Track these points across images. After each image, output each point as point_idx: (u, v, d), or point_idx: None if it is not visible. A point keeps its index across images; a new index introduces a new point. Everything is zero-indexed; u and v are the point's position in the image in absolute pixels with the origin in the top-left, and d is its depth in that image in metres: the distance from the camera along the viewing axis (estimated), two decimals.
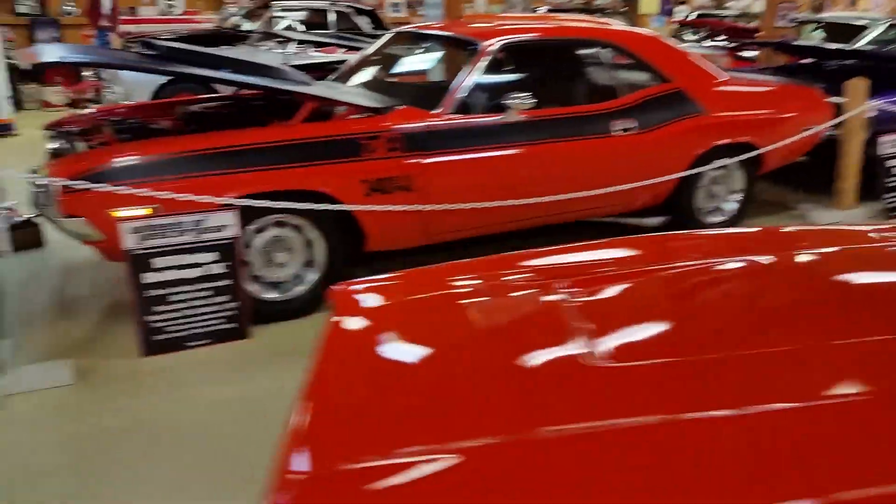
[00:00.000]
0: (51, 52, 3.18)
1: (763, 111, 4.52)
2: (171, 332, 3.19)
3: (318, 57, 7.03)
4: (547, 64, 4.37)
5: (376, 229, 3.54)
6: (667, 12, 16.49)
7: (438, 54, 4.81)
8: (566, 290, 1.57)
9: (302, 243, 3.50)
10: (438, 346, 1.43)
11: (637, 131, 4.07)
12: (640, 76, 4.28)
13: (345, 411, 1.21)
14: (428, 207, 3.49)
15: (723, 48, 9.06)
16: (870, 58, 5.77)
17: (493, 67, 3.82)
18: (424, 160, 3.53)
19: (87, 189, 2.87)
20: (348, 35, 5.85)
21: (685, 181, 4.33)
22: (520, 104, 3.65)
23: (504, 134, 3.73)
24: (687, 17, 12.69)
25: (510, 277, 1.71)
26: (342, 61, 5.98)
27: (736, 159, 4.38)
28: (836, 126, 4.83)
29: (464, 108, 3.69)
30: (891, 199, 5.02)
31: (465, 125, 3.66)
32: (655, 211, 4.49)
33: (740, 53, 8.51)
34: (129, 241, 2.99)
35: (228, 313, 3.27)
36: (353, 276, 3.87)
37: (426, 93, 4.10)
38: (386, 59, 4.56)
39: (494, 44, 3.82)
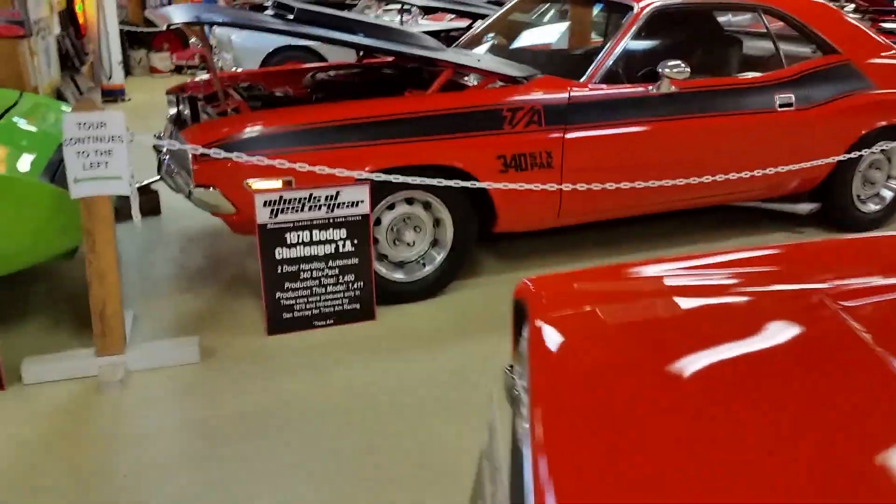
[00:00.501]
0: (183, 13, 3.04)
1: None
2: (298, 310, 3.04)
3: (426, 25, 6.79)
4: (702, 30, 3.99)
5: (509, 209, 3.29)
6: None
7: (581, 17, 4.46)
8: (850, 308, 1.27)
9: (430, 221, 3.29)
10: (693, 373, 1.16)
11: (801, 107, 3.66)
12: (803, 46, 3.84)
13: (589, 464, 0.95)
14: (576, 187, 3.21)
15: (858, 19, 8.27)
16: None
17: (645, 33, 3.48)
18: (568, 134, 3.24)
19: (225, 158, 2.72)
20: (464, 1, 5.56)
21: (842, 165, 3.88)
22: (675, 74, 3.30)
23: (656, 107, 3.39)
24: None
25: (749, 290, 1.42)
26: (456, 29, 5.71)
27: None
28: None
29: (611, 77, 3.38)
30: None
31: (614, 96, 3.35)
32: (803, 198, 4.07)
33: (882, 25, 7.75)
34: (263, 215, 2.84)
35: (356, 293, 3.10)
36: (478, 260, 3.59)
37: (569, 61, 3.80)
38: (516, 25, 4.27)
39: (650, 6, 3.47)
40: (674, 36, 3.86)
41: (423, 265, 3.33)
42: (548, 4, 4.45)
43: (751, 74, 3.68)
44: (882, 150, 4.00)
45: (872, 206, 4.16)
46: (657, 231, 4.09)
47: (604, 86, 3.34)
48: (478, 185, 3.10)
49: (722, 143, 3.54)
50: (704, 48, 3.85)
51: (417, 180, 2.99)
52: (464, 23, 6.23)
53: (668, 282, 1.50)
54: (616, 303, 1.44)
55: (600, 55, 3.39)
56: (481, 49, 4.16)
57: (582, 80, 3.34)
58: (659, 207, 3.68)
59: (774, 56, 3.79)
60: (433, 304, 3.33)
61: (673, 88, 3.39)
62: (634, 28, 3.41)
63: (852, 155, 3.77)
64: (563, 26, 4.58)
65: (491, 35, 4.21)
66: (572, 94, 3.29)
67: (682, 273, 1.52)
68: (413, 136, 3.03)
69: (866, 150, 3.84)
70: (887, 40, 4.04)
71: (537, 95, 3.23)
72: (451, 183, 3.05)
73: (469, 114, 3.12)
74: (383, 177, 2.94)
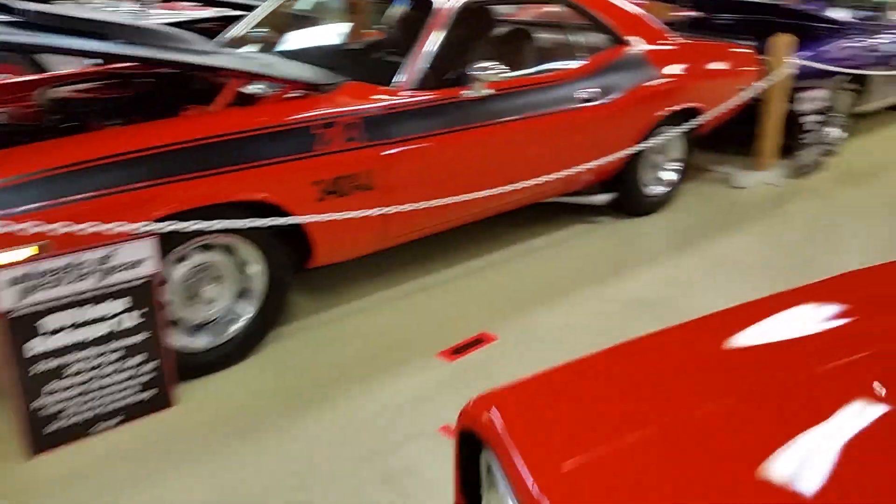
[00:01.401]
0: None
1: (708, 74, 4.22)
2: (70, 416, 2.24)
3: (160, 16, 5.78)
4: (510, 25, 3.74)
5: (329, 241, 2.77)
6: None
7: (371, 13, 3.97)
8: None
9: (234, 269, 2.65)
10: None
11: (604, 101, 3.59)
12: (597, 37, 3.77)
13: None
14: (401, 209, 2.77)
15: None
16: (777, 13, 5.67)
17: (455, 31, 3.10)
18: (388, 150, 2.78)
19: None
20: None
21: (633, 153, 3.93)
22: (489, 76, 3.00)
23: (476, 111, 3.07)
24: None
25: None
26: (202, 20, 4.88)
27: (690, 125, 4.04)
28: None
29: (425, 81, 2.97)
30: (806, 156, 4.99)
31: (432, 103, 2.95)
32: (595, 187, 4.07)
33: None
34: (7, 299, 2.00)
35: (147, 378, 2.37)
36: (294, 307, 2.96)
37: (375, 64, 3.32)
38: (298, 20, 3.66)
39: (458, 1, 3.11)
40: (484, 34, 3.57)
41: (230, 323, 2.68)
42: None
43: (556, 69, 3.51)
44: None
45: (656, 189, 4.30)
46: (464, 236, 3.83)
47: (419, 92, 2.93)
48: (294, 220, 2.53)
49: (543, 143, 3.34)
50: (514, 45, 3.60)
51: (217, 224, 2.34)
52: (208, 11, 5.39)
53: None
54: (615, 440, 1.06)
55: (411, 57, 2.96)
56: (254, 49, 3.51)
57: (396, 85, 2.90)
58: (480, 215, 3.40)
59: (576, 49, 3.67)
60: (249, 368, 2.71)
61: (488, 91, 3.09)
62: (444, 26, 3.03)
63: (649, 143, 3.81)
64: (356, 22, 4.06)
65: (264, 31, 3.57)
66: (388, 102, 2.83)
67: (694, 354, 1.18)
68: (204, 169, 2.35)
69: (658, 137, 3.92)
70: (663, 27, 4.14)
71: (350, 106, 2.73)
72: (258, 223, 2.44)
73: (273, 134, 2.52)
74: (170, 226, 2.24)
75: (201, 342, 2.61)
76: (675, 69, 3.97)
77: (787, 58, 4.64)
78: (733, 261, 3.66)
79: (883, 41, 5.58)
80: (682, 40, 4.18)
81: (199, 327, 2.63)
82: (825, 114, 5.10)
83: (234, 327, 2.68)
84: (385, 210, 2.74)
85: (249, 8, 4.41)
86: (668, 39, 4.06)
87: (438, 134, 2.93)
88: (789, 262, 3.66)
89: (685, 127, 4.05)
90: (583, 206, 4.12)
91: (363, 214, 2.66)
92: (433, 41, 3.01)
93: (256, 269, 2.66)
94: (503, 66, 3.05)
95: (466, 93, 3.03)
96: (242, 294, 2.70)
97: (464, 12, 3.13)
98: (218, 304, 2.65)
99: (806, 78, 4.81)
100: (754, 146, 4.89)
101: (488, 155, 3.15)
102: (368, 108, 2.76)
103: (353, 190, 2.71)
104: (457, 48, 3.18)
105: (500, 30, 3.70)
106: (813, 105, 4.90)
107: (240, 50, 3.47)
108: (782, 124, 4.84)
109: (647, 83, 3.80)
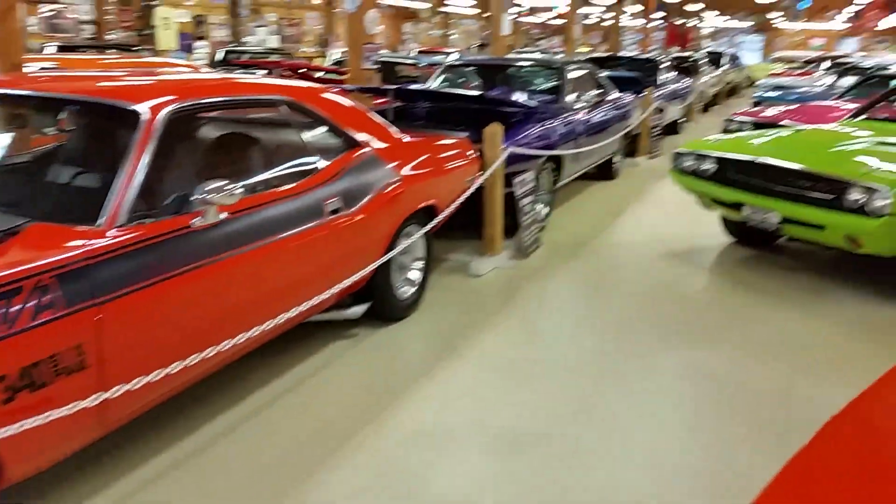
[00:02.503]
0: None
1: (441, 169, 4.11)
2: None
3: None
4: (229, 133, 3.18)
5: (23, 453, 1.95)
6: (186, 48, 15.37)
7: (56, 126, 3.10)
8: None
9: None
10: None
11: (354, 208, 3.23)
12: (330, 140, 3.40)
13: None
14: (127, 388, 2.05)
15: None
16: (488, 102, 5.86)
17: (166, 145, 2.47)
18: (99, 314, 2.06)
19: None
20: None
21: (383, 265, 3.62)
22: (221, 198, 2.44)
23: (210, 242, 2.47)
24: (225, 57, 11.63)
25: None
26: None
27: (433, 222, 3.87)
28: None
29: (139, 213, 2.31)
30: (527, 237, 5.17)
31: (155, 239, 2.29)
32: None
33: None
34: None
35: None
36: None
37: (63, 193, 2.53)
38: None
39: (162, 110, 2.49)
40: (203, 145, 2.97)
41: None
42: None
43: (295, 180, 3.06)
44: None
45: (407, 292, 4.04)
46: (206, 386, 3.14)
47: (132, 228, 2.26)
48: None
49: (298, 266, 2.86)
50: (241, 156, 3.04)
51: None
52: None
53: None
54: None
55: (116, 184, 2.27)
56: None
57: (100, 223, 2.19)
58: (229, 359, 2.77)
59: (311, 156, 3.25)
60: None
61: (223, 215, 2.52)
62: (152, 140, 2.40)
63: (403, 246, 3.54)
64: (21, 133, 3.15)
65: None
66: (92, 247, 2.12)
67: None
68: None
69: (407, 239, 3.67)
70: (386, 122, 3.93)
71: (40, 260, 1.97)
72: None
73: None
74: None
75: None
76: (411, 167, 3.78)
77: (501, 146, 4.78)
78: (501, 360, 3.50)
79: (567, 122, 6.13)
80: (408, 136, 4.03)
81: None
82: (535, 193, 5.38)
83: None
84: (106, 395, 2.02)
85: None
86: (395, 136, 3.87)
87: (167, 278, 2.29)
88: (551, 354, 3.62)
89: (430, 225, 3.88)
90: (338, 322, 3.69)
91: (75, 409, 1.91)
92: (142, 161, 2.37)
93: None
94: (237, 183, 2.52)
95: (196, 221, 2.43)
96: None
97: (174, 122, 2.52)
98: None
99: (513, 163, 5.01)
100: (483, 231, 4.94)
101: (236, 291, 2.57)
102: (65, 258, 2.03)
103: (55, 377, 1.94)
104: (174, 167, 2.57)
105: (224, 138, 3.14)
106: (525, 187, 5.12)
107: None
108: (503, 208, 4.96)
109: (389, 185, 3.54)
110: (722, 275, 4.93)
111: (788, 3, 17.23)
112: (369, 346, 3.61)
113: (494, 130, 4.72)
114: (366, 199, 3.34)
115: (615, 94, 7.82)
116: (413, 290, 4.07)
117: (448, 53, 17.87)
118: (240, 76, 3.33)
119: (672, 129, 12.29)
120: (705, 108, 15.98)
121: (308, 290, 2.95)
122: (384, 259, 3.45)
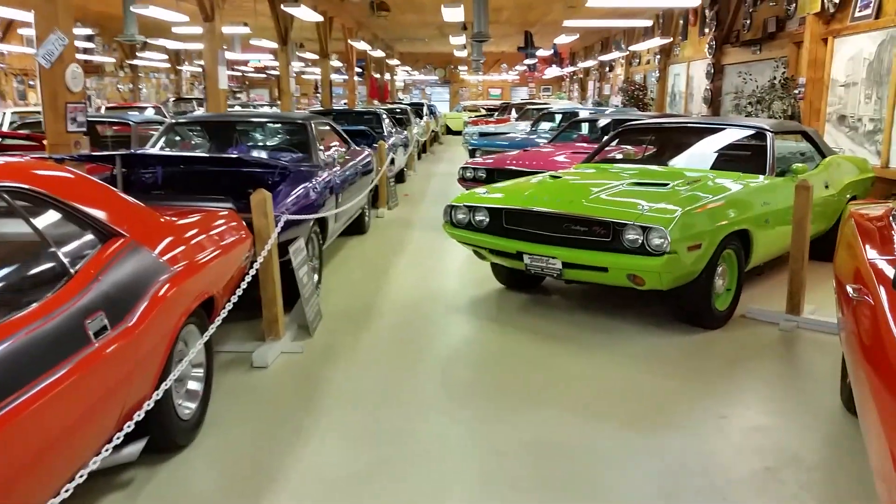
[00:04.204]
0: None
1: (214, 252, 3.36)
2: None
3: None
4: None
5: None
6: None
7: None
8: None
9: None
10: None
11: (127, 322, 2.39)
12: (77, 235, 2.51)
13: None
14: None
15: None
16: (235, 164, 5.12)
17: None
18: None
19: None
20: None
21: (161, 378, 2.79)
22: None
23: None
24: None
25: None
26: None
27: (218, 317, 3.12)
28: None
29: None
30: (310, 310, 4.57)
31: None
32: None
33: None
34: None
35: None
36: None
37: None
38: None
39: None
40: None
41: None
42: None
43: (35, 295, 2.15)
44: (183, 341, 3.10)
45: (188, 408, 3.20)
46: None
47: None
48: None
49: (49, 424, 1.97)
50: None
51: None
52: None
53: None
54: None
55: None
56: None
57: None
58: None
59: (57, 261, 2.33)
60: None
61: None
62: None
63: (190, 355, 2.75)
64: None
65: None
66: None
67: None
68: None
69: (186, 346, 2.89)
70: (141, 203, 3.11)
71: None
72: None
73: None
74: None
75: None
76: (182, 254, 3.01)
77: (272, 213, 4.16)
78: (321, 486, 2.88)
79: (326, 180, 5.66)
80: (169, 216, 3.24)
81: None
82: (310, 262, 4.82)
83: None
84: None
85: None
86: (153, 216, 3.06)
87: None
88: (380, 457, 3.08)
89: (212, 327, 3.13)
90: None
91: None
92: None
93: None
94: None
95: None
96: None
97: None
98: None
99: (284, 230, 4.41)
100: (262, 313, 4.24)
101: None
102: None
103: None
104: None
105: None
106: (300, 255, 4.54)
107: None
108: (280, 284, 4.32)
109: (162, 283, 2.75)
110: (512, 325, 4.81)
111: (472, 58, 18.92)
112: (147, 499, 2.72)
113: (262, 197, 4.09)
114: (138, 306, 2.53)
115: (355, 148, 7.59)
116: (195, 405, 3.24)
117: (143, 108, 16.26)
118: None
119: (400, 177, 12.49)
120: (418, 156, 16.65)
121: (71, 451, 2.08)
122: (171, 379, 2.65)
